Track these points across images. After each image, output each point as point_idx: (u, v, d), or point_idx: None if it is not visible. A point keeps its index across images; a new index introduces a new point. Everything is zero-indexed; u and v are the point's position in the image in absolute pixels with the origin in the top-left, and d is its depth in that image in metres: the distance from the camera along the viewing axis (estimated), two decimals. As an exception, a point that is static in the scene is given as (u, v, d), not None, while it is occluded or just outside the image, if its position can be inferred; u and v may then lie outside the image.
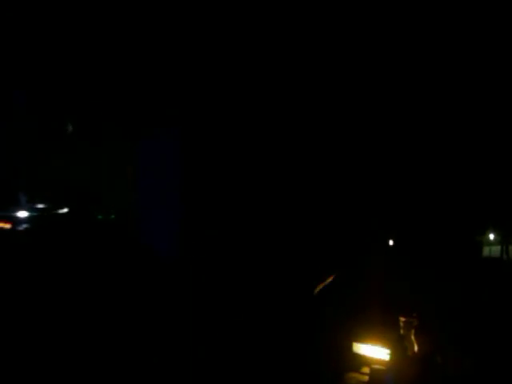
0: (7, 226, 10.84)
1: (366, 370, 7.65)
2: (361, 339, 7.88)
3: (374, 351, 7.62)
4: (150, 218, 11.44)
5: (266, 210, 12.28)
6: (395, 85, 12.40)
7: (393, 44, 12.19)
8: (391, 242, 14.63)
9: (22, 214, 10.96)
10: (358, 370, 7.81)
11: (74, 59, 12.53)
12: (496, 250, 16.76)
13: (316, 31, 12.13)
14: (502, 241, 16.63)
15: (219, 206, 12.01)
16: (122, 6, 12.00)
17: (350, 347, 7.92)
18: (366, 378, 7.49)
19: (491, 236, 17.01)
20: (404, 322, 7.28)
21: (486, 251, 16.50)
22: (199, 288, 9.55)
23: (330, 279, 9.78)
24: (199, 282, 9.75)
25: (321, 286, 9.78)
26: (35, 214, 10.85)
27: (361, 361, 7.84)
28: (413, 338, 7.19)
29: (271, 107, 12.49)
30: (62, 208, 10.73)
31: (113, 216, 10.94)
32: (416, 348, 7.15)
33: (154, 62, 12.27)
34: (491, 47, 11.42)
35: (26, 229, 10.31)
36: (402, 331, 7.24)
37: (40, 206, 11.31)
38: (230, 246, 11.24)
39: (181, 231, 11.38)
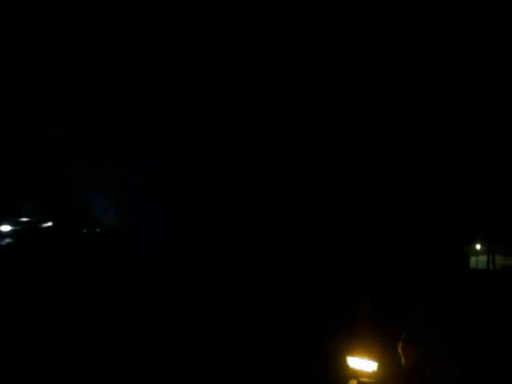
0: (-10, 240, 10.66)
1: (353, 383, 7.58)
2: (349, 352, 7.81)
3: (362, 364, 7.55)
4: (140, 226, 11.34)
5: (256, 214, 12.22)
6: (377, 102, 12.45)
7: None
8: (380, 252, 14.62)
9: (6, 228, 10.79)
10: (345, 383, 7.74)
11: (65, 63, 12.46)
12: (483, 260, 16.79)
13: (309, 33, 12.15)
14: (488, 251, 16.67)
15: (212, 212, 11.95)
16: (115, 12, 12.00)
17: (339, 359, 7.84)
18: (354, 391, 7.43)
19: (478, 246, 17.06)
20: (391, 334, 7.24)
21: (472, 261, 16.53)
22: (189, 297, 9.48)
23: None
24: (189, 290, 9.69)
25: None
26: (19, 227, 10.68)
27: (349, 374, 7.77)
28: (401, 350, 7.15)
29: (261, 112, 12.47)
30: (47, 222, 10.58)
31: (98, 229, 10.79)
32: (404, 361, 7.11)
33: (143, 68, 12.22)
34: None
35: (9, 243, 10.14)
36: (389, 344, 7.20)
37: (24, 219, 11.15)
38: (222, 256, 11.17)
39: (171, 238, 11.32)
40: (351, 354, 7.69)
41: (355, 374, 7.52)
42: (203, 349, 8.24)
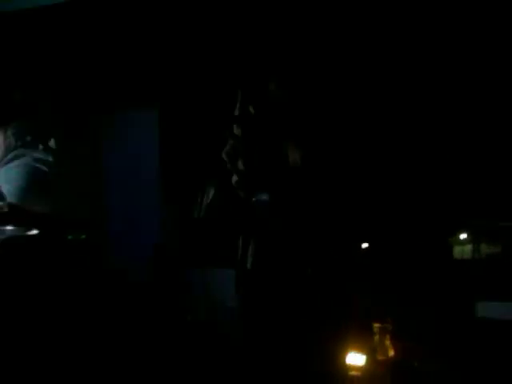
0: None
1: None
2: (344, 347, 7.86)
3: (350, 357, 7.64)
4: (122, 229, 11.00)
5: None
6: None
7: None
8: (365, 245, 14.66)
9: (-10, 237, 10.63)
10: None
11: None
12: (468, 250, 16.84)
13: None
14: (473, 240, 16.73)
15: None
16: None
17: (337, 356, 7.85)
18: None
19: (463, 235, 17.11)
20: (379, 327, 7.36)
21: (457, 251, 16.58)
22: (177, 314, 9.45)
23: None
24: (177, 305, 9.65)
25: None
26: (3, 237, 10.55)
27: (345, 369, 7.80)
28: (388, 343, 7.26)
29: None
30: (31, 229, 10.46)
31: (83, 236, 10.66)
32: (392, 353, 7.23)
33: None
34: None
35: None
36: (376, 337, 7.31)
37: (9, 227, 11.01)
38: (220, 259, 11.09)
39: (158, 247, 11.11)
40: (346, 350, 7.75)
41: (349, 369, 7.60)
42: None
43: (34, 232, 10.55)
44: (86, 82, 11.44)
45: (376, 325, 7.33)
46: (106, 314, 8.79)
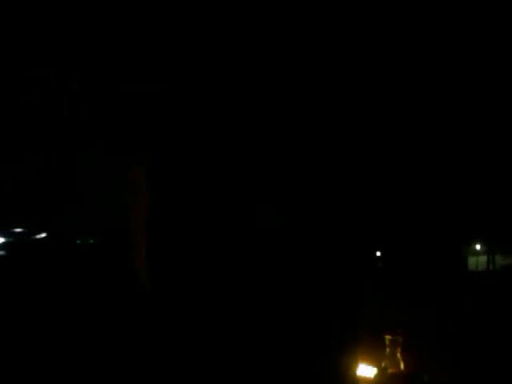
0: (-18, 254, 10.39)
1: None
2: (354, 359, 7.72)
3: (361, 370, 7.49)
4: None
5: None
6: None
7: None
8: (379, 253, 14.48)
9: (-1, 240, 10.58)
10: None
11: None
12: (483, 261, 16.63)
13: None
14: (488, 251, 16.47)
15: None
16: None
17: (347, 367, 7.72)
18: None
19: (477, 246, 16.90)
20: (389, 339, 7.18)
21: (473, 262, 16.36)
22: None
23: None
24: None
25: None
26: (11, 239, 10.50)
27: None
28: (399, 355, 7.09)
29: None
30: (40, 233, 10.40)
31: (91, 240, 10.56)
32: (402, 366, 7.06)
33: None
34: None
35: (1, 257, 9.95)
36: (387, 349, 7.14)
37: (17, 230, 10.96)
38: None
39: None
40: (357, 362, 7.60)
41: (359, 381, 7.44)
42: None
43: (43, 235, 10.53)
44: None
45: (387, 337, 7.16)
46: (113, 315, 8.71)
